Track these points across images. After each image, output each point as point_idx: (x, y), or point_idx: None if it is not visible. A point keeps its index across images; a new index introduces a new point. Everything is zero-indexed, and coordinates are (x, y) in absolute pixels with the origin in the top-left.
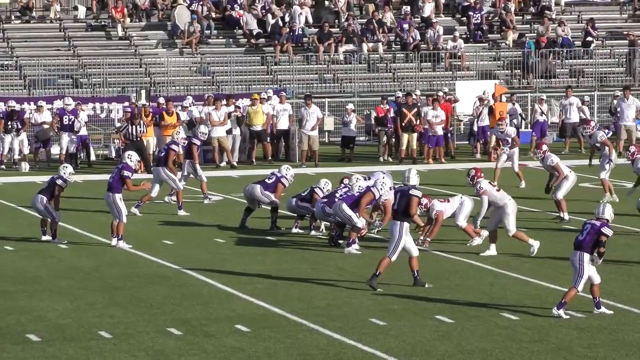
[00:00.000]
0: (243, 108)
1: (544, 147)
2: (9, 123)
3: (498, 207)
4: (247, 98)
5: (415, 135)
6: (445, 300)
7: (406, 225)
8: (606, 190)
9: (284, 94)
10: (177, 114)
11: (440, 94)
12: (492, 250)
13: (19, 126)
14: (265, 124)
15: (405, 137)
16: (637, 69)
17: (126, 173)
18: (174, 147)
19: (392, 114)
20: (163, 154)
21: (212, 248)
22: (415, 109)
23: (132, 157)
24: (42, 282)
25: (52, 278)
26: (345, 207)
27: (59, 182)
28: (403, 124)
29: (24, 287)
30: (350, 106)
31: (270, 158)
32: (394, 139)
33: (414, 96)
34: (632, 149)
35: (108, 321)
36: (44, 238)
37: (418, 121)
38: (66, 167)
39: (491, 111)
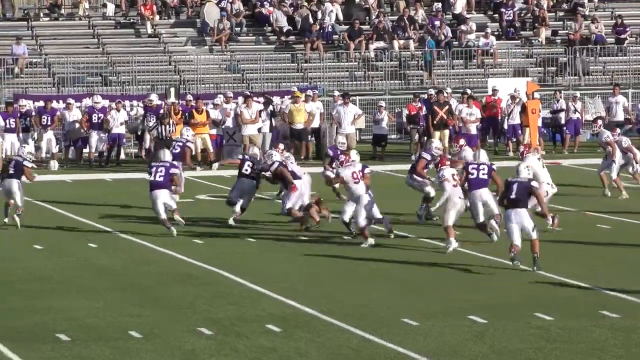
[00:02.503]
0: (276, 106)
1: (599, 122)
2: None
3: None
4: (278, 96)
5: (447, 132)
6: (478, 300)
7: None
8: (605, 186)
9: (316, 91)
10: (207, 112)
11: (469, 91)
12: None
13: (49, 123)
14: (307, 123)
15: (437, 135)
16: None
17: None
18: (189, 144)
19: (424, 112)
20: (178, 150)
21: (242, 247)
22: (447, 107)
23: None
24: (72, 281)
25: (82, 277)
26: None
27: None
28: (434, 122)
29: (53, 286)
30: (382, 104)
31: (303, 157)
32: (425, 137)
33: (445, 94)
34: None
35: (137, 321)
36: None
37: (452, 118)
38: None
39: (523, 109)
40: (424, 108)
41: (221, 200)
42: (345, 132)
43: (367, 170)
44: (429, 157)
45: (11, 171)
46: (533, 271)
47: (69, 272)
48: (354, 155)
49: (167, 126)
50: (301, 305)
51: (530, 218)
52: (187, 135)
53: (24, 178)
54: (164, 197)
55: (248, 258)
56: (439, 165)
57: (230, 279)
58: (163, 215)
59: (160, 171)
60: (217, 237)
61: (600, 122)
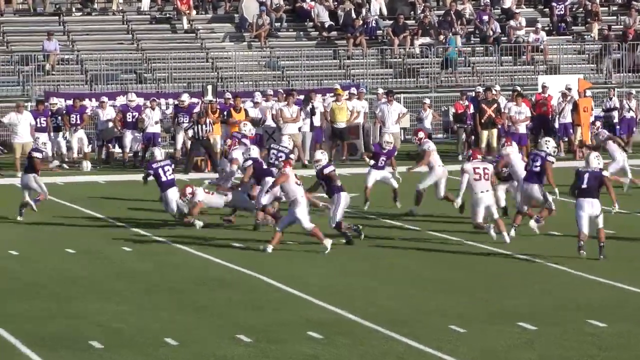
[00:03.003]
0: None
1: None
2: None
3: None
4: (320, 94)
5: (495, 131)
6: (528, 306)
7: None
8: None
9: (363, 90)
10: (245, 110)
11: (518, 88)
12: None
13: (78, 122)
14: (349, 121)
15: (484, 134)
16: None
17: None
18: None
19: (471, 111)
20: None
21: (282, 250)
22: (495, 105)
23: None
24: (104, 286)
25: (115, 282)
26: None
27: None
28: (482, 121)
29: (84, 290)
30: (427, 101)
31: (344, 157)
32: (472, 137)
33: (494, 91)
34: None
35: (173, 327)
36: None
37: (500, 117)
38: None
39: (575, 107)
40: (472, 106)
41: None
42: (390, 131)
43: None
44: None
45: (26, 165)
46: (599, 259)
47: (101, 276)
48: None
49: (204, 125)
50: (343, 311)
51: (600, 207)
52: (245, 131)
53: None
54: (177, 196)
55: (288, 262)
56: (471, 158)
57: (268, 284)
58: (174, 209)
59: (168, 170)
60: (255, 240)
61: (598, 123)
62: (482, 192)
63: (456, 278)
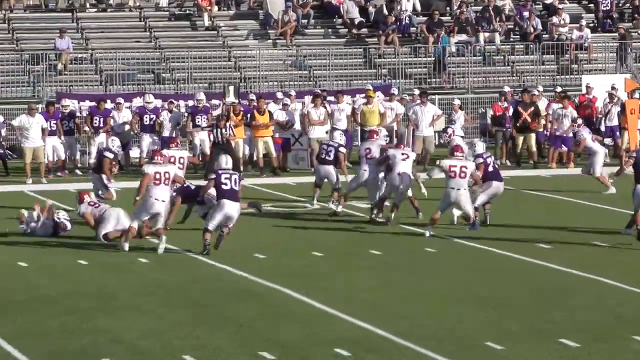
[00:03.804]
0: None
1: None
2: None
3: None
4: (349, 95)
5: (533, 135)
6: (570, 321)
7: None
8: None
9: (396, 91)
10: (270, 113)
11: (559, 89)
12: None
13: (101, 125)
14: (381, 124)
15: (520, 139)
16: None
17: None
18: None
19: (510, 113)
20: None
21: (308, 262)
22: (533, 108)
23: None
24: (121, 299)
25: (132, 295)
26: None
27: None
28: (517, 125)
29: (100, 305)
30: (457, 102)
31: None
32: (511, 141)
33: (537, 92)
34: None
35: (193, 343)
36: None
37: (537, 121)
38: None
39: (622, 109)
40: (511, 108)
41: (285, 211)
42: (423, 134)
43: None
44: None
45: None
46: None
47: (117, 289)
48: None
49: (223, 129)
50: (373, 327)
51: None
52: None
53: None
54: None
55: (314, 274)
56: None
57: (294, 297)
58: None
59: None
60: (280, 251)
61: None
62: (452, 188)
63: (493, 291)
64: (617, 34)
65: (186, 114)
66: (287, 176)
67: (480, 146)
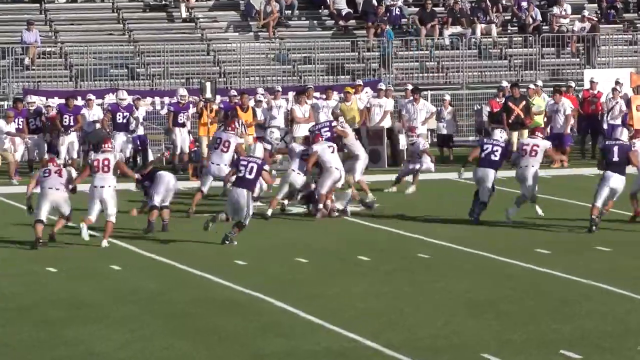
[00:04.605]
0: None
1: None
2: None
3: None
4: (337, 91)
5: (525, 132)
6: (574, 331)
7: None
8: None
9: (384, 86)
10: (254, 110)
11: (572, 84)
12: None
13: (71, 123)
14: (360, 122)
15: (514, 135)
16: None
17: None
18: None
19: None
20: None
21: (293, 269)
22: (524, 102)
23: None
24: (97, 308)
25: (109, 303)
26: None
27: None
28: (510, 121)
29: (74, 314)
30: (448, 98)
31: None
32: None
33: (532, 87)
34: None
35: (174, 355)
36: None
37: (530, 116)
38: None
39: (628, 105)
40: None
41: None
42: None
43: None
44: (267, 147)
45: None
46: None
47: (91, 298)
48: None
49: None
50: (362, 338)
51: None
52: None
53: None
54: (239, 199)
55: (300, 282)
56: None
57: (278, 307)
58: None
59: (251, 168)
60: (263, 258)
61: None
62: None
63: (491, 299)
64: (621, 26)
65: (167, 111)
66: None
67: (496, 134)
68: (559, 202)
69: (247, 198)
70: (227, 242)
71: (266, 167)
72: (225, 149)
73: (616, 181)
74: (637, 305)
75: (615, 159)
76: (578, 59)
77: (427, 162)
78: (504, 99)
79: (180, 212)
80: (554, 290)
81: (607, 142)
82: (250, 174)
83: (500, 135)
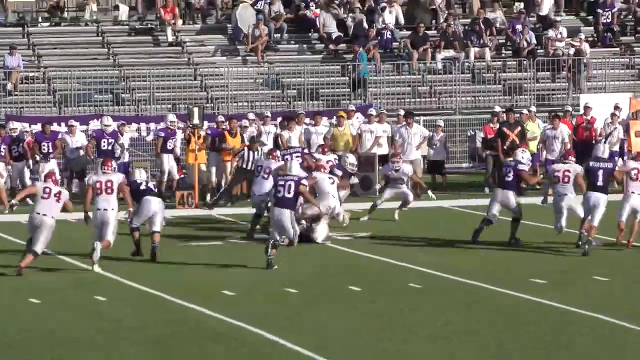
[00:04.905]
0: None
1: None
2: (14, 149)
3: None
4: (326, 116)
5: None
6: None
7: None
8: None
9: (374, 111)
10: (241, 136)
11: (569, 108)
12: None
13: (50, 150)
14: (353, 148)
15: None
16: None
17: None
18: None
19: None
20: None
21: (280, 299)
22: (519, 128)
23: None
24: (78, 341)
25: (90, 336)
26: None
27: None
28: (505, 147)
29: (53, 345)
30: (441, 123)
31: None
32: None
33: (525, 112)
34: None
35: None
36: None
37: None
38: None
39: (626, 130)
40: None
41: (254, 244)
42: (410, 158)
43: None
44: (339, 174)
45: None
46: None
47: (74, 330)
48: None
49: (255, 152)
50: None
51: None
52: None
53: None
54: (282, 219)
55: (289, 313)
56: None
57: (266, 338)
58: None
59: (289, 186)
60: (250, 288)
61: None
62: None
63: (486, 331)
64: (618, 49)
65: (154, 137)
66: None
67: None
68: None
69: (290, 218)
70: (270, 266)
71: (304, 182)
72: (266, 176)
73: (596, 200)
74: (634, 337)
75: (600, 183)
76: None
77: (408, 191)
78: (498, 124)
79: (177, 239)
80: (550, 321)
81: (591, 164)
82: (288, 192)
83: (522, 155)
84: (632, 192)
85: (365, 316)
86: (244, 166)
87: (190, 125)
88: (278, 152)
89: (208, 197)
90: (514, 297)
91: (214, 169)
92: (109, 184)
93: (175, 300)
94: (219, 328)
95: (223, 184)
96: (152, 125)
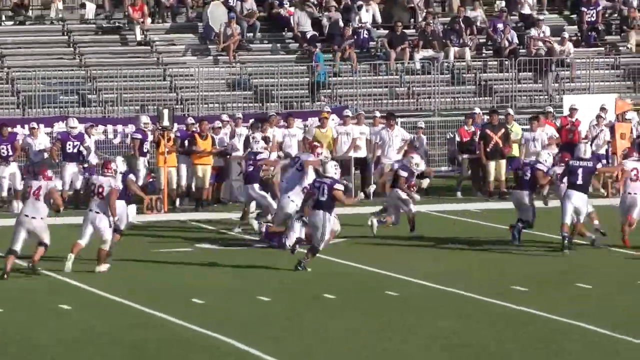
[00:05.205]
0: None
1: None
2: None
3: None
4: (300, 118)
5: (503, 162)
6: None
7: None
8: None
9: (349, 113)
10: (212, 138)
11: (550, 109)
12: None
13: (9, 153)
14: (334, 151)
15: (491, 165)
16: None
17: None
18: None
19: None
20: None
21: (254, 308)
22: (503, 130)
23: None
24: (42, 350)
25: (55, 345)
26: None
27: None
28: (488, 150)
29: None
30: (422, 124)
31: None
32: (481, 169)
33: (511, 112)
34: None
35: None
36: None
37: (508, 145)
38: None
39: (612, 133)
40: (479, 133)
41: (225, 250)
42: (391, 161)
43: None
44: (404, 174)
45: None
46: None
47: (39, 339)
48: None
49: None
50: None
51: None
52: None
53: None
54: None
55: (263, 323)
56: None
57: (239, 349)
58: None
59: (322, 189)
60: (221, 295)
61: None
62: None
63: (467, 341)
64: (603, 49)
65: (132, 140)
66: (227, 210)
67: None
68: (536, 235)
69: (324, 219)
70: (300, 268)
71: (338, 186)
72: (300, 168)
73: (577, 199)
74: (619, 346)
75: (579, 182)
76: (557, 84)
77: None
78: (472, 127)
79: (148, 245)
80: (533, 330)
81: (572, 163)
82: (322, 195)
83: (545, 157)
84: (629, 193)
85: (342, 326)
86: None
87: (160, 128)
88: (318, 146)
89: (177, 201)
90: (500, 306)
91: (184, 173)
92: (100, 190)
93: (142, 309)
94: (190, 338)
95: (193, 187)
96: (120, 128)
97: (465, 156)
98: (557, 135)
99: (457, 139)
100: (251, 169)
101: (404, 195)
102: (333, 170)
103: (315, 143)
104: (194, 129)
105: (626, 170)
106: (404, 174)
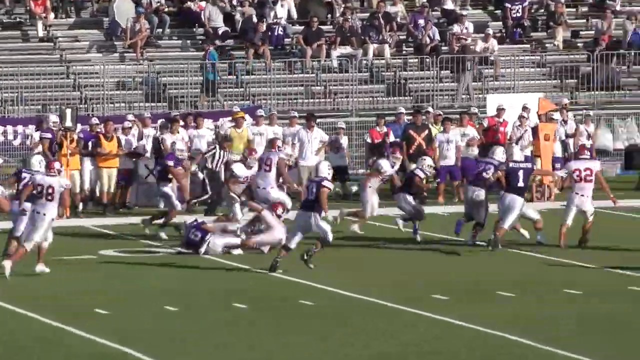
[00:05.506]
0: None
1: None
2: None
3: None
4: (211, 118)
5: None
6: None
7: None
8: None
9: (262, 112)
10: (118, 139)
11: (475, 110)
12: None
13: None
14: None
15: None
16: None
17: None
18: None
19: (391, 139)
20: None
21: (162, 319)
22: (427, 131)
23: None
24: None
25: None
26: None
27: None
28: (411, 151)
29: None
30: (342, 125)
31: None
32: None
33: (431, 111)
34: None
35: None
36: None
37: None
38: None
39: (534, 133)
40: (391, 134)
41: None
42: (308, 163)
43: None
44: (422, 175)
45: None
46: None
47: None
48: None
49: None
50: None
51: None
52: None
53: None
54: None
55: (171, 335)
56: None
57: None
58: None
59: (312, 189)
60: (126, 305)
61: None
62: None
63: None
64: (528, 46)
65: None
66: (133, 215)
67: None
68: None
69: (314, 219)
70: (306, 257)
71: (328, 184)
72: (267, 168)
73: (512, 200)
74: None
75: (521, 184)
76: (480, 82)
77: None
78: (384, 127)
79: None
80: (451, 342)
81: (511, 165)
82: (311, 195)
83: (520, 155)
84: (576, 194)
85: (253, 338)
86: (213, 167)
87: (62, 128)
88: (279, 142)
89: (80, 206)
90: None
91: (87, 176)
92: (50, 190)
93: (43, 320)
94: (95, 352)
95: (97, 191)
96: (20, 129)
97: (375, 158)
98: (479, 136)
99: (369, 140)
100: (160, 168)
101: (413, 202)
102: (326, 170)
103: (274, 137)
104: (99, 130)
105: (559, 176)
106: (422, 175)
